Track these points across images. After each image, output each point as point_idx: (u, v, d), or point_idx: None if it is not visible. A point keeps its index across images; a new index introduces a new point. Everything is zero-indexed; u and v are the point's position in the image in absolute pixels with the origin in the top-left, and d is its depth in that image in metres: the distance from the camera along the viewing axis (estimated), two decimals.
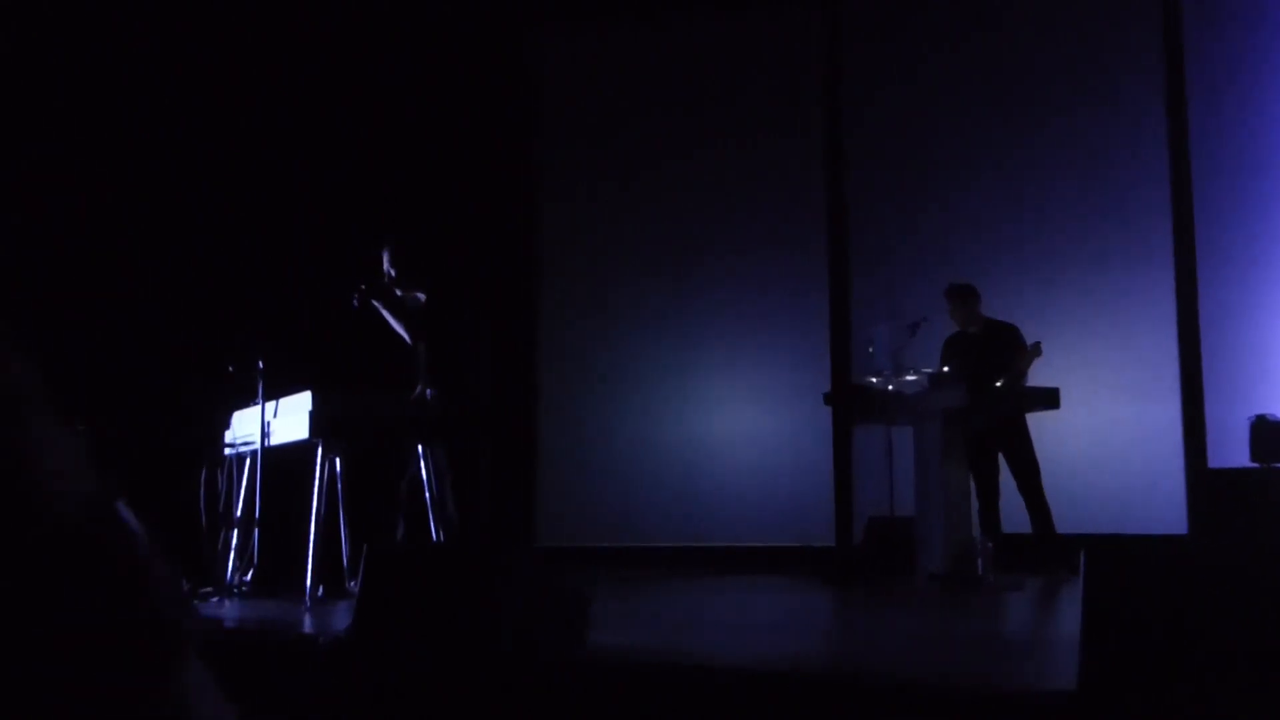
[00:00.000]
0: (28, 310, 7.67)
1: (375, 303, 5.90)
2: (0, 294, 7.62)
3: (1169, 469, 7.90)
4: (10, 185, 7.69)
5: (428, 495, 5.56)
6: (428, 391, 5.82)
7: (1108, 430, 7.78)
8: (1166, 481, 7.85)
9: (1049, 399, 6.67)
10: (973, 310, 7.06)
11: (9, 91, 7.67)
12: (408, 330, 5.97)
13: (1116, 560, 2.47)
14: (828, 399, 7.40)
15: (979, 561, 6.30)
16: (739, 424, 9.31)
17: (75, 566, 0.54)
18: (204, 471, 6.29)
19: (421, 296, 6.01)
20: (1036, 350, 6.78)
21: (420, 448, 5.60)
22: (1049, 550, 6.56)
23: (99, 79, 8.03)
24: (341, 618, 3.70)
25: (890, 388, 6.62)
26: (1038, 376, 6.92)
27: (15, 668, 0.52)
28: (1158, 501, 7.79)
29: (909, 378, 6.53)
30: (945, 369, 6.92)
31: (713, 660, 3.23)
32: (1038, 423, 6.93)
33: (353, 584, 5.30)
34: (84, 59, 7.98)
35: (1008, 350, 6.86)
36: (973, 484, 6.86)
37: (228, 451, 6.13)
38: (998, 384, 6.72)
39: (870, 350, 7.02)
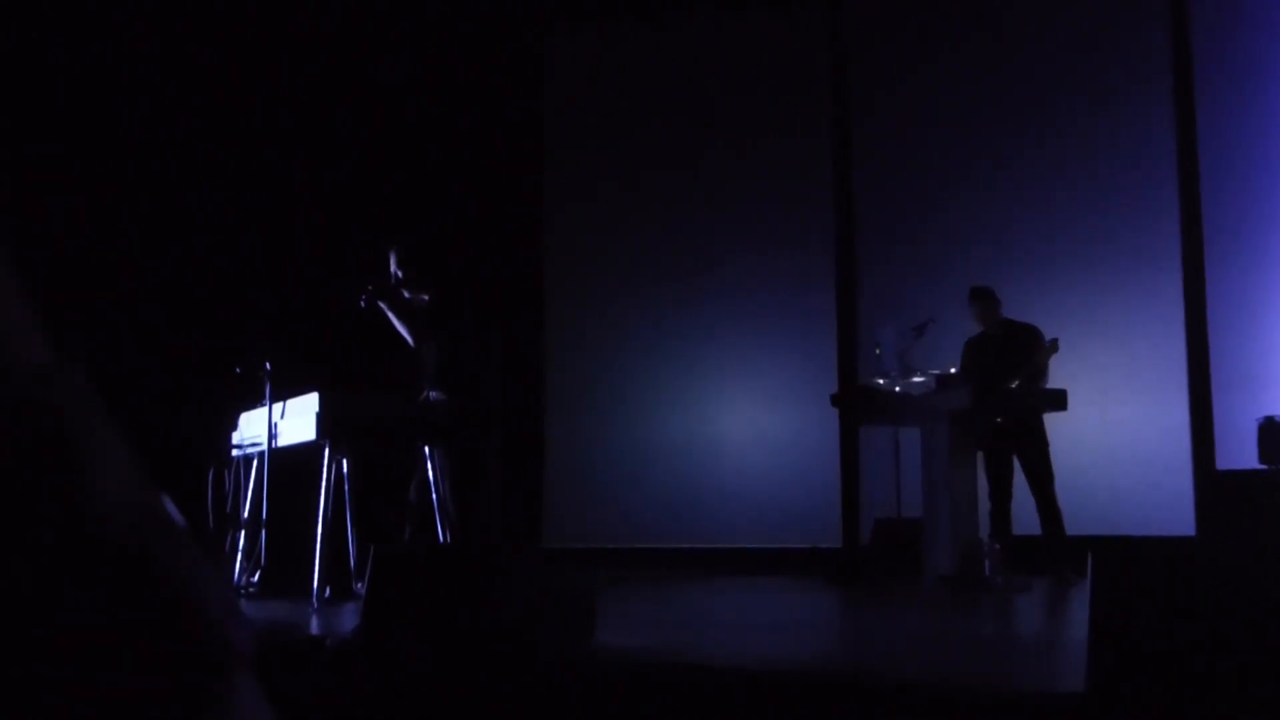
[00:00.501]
0: (38, 312, 7.69)
1: (381, 304, 5.90)
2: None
3: (1177, 470, 7.88)
4: (16, 185, 7.71)
5: (434, 497, 5.56)
6: (433, 394, 5.82)
7: (1115, 431, 7.77)
8: (1174, 483, 7.83)
9: (1057, 400, 6.66)
10: (993, 312, 7.06)
11: (12, 91, 7.69)
12: (412, 332, 5.97)
13: (1123, 562, 2.46)
14: (834, 400, 7.39)
15: (986, 563, 6.29)
16: (746, 425, 9.31)
17: (129, 582, 0.54)
18: (211, 472, 6.30)
19: (427, 298, 6.01)
20: (1054, 347, 6.77)
21: (426, 449, 5.60)
22: (1058, 552, 6.55)
23: (103, 79, 8.05)
24: (348, 619, 3.71)
25: (897, 389, 6.61)
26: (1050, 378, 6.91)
27: (67, 683, 0.52)
28: (1165, 503, 7.77)
29: (916, 379, 6.52)
30: (957, 370, 6.93)
31: (718, 661, 3.23)
32: (1045, 424, 6.92)
33: (359, 585, 5.31)
34: (88, 59, 8.00)
35: (1026, 350, 6.86)
36: (984, 485, 6.85)
37: (235, 453, 6.14)
38: (1013, 384, 6.71)
39: (877, 351, 7.02)
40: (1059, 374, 6.96)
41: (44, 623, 0.51)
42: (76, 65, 7.95)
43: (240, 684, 0.57)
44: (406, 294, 6.00)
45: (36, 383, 0.55)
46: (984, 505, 6.81)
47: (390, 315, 5.95)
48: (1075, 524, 6.87)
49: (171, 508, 0.58)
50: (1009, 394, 6.67)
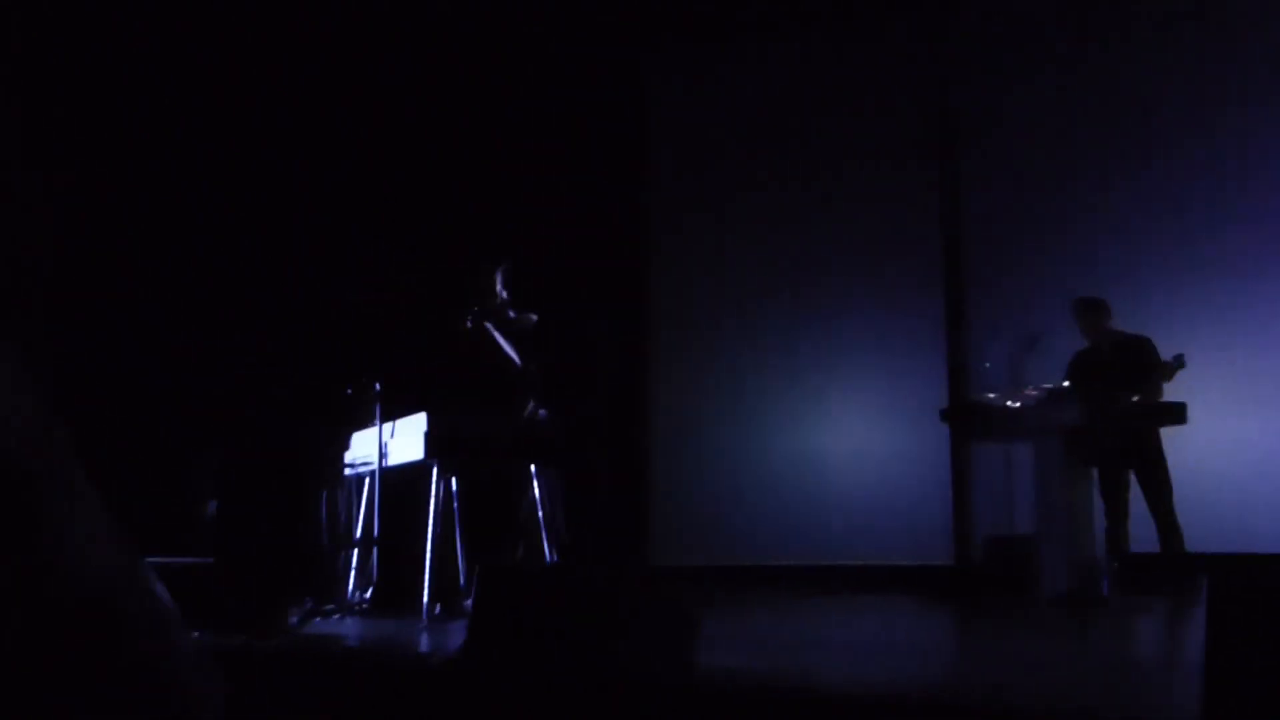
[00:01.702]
0: (161, 339, 7.95)
1: (487, 325, 5.98)
2: (124, 322, 7.91)
3: None
4: (135, 208, 7.97)
5: (540, 515, 5.61)
6: (540, 412, 5.88)
7: (1238, 445, 7.52)
8: None
9: (1175, 414, 6.48)
10: (1102, 325, 6.88)
11: (125, 103, 7.95)
12: (519, 352, 6.03)
13: (1242, 581, 2.38)
14: (944, 416, 7.27)
15: (1104, 582, 6.13)
16: (853, 441, 9.22)
17: (95, 641, 0.54)
18: (325, 492, 6.44)
19: (534, 318, 6.07)
20: (1180, 363, 6.58)
21: (533, 468, 5.65)
22: (1178, 570, 6.37)
23: (212, 95, 8.28)
24: (456, 636, 3.75)
25: (1008, 404, 6.48)
26: (1168, 390, 6.71)
27: None
28: None
29: (1027, 393, 6.39)
30: (1068, 384, 6.78)
31: (823, 684, 3.20)
32: (1165, 437, 6.73)
33: (468, 603, 5.37)
34: (206, 69, 8.23)
35: (1139, 366, 6.68)
36: (1100, 502, 6.69)
37: (347, 472, 6.26)
38: (1134, 399, 6.54)
39: (987, 366, 6.90)
40: (1178, 386, 6.77)
41: (11, 679, 0.51)
42: (169, 72, 8.19)
43: None
44: (512, 314, 6.07)
45: (12, 446, 0.56)
46: (1100, 522, 6.64)
47: (497, 336, 6.02)
48: (1197, 541, 6.67)
49: (147, 569, 0.59)
50: (1125, 409, 6.51)
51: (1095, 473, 6.75)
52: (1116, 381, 6.63)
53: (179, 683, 0.56)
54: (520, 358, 6.03)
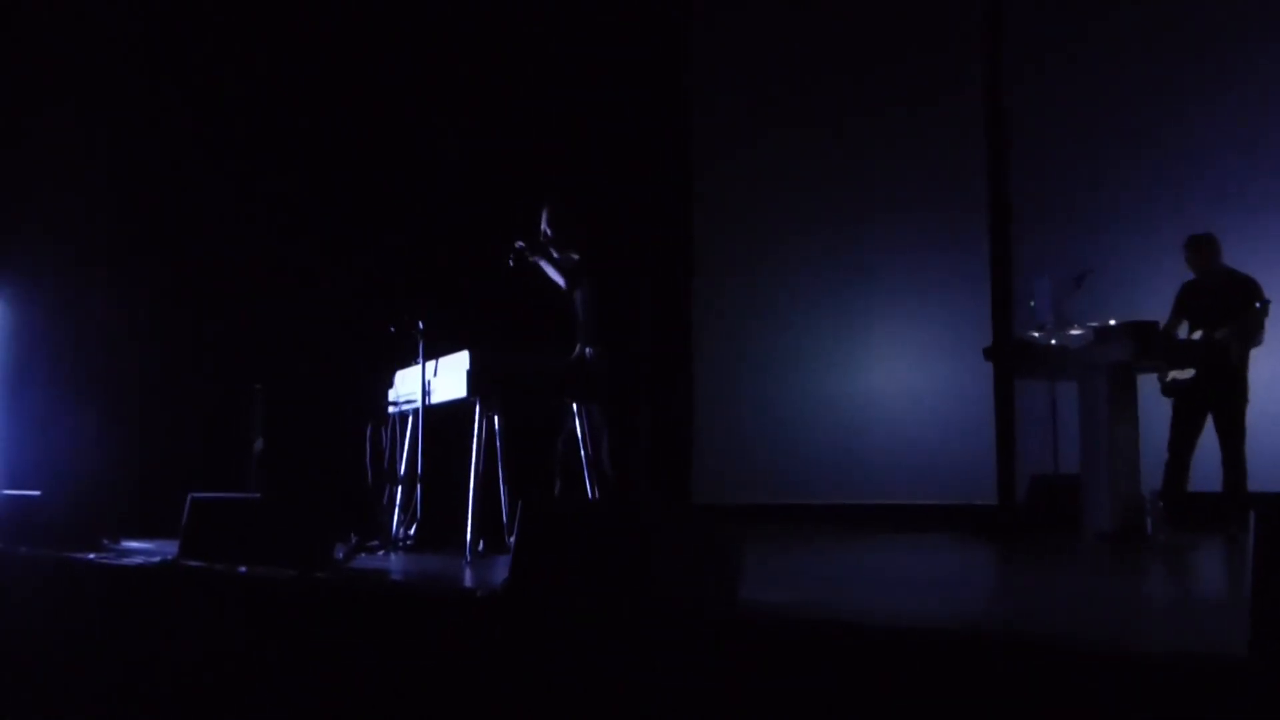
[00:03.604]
0: (211, 280, 8.02)
1: (536, 260, 5.97)
2: (175, 263, 7.98)
3: None
4: (201, 178, 8.03)
5: (583, 453, 5.63)
6: (587, 350, 5.87)
7: None
8: None
9: (1217, 352, 6.43)
10: (1211, 258, 6.82)
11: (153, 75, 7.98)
12: (567, 281, 6.04)
13: None
14: (988, 354, 7.21)
15: (1148, 520, 6.09)
16: (898, 380, 9.18)
17: None
18: (369, 429, 6.48)
19: (576, 257, 6.05)
20: (1265, 310, 6.53)
21: (575, 406, 5.66)
22: (1237, 508, 6.32)
23: (273, 73, 8.29)
24: (500, 572, 3.79)
25: (1053, 342, 6.42)
26: None
27: None
28: None
29: (1073, 331, 6.32)
30: (1170, 312, 6.76)
31: (866, 617, 3.20)
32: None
33: (511, 539, 5.41)
34: (255, 55, 8.25)
35: (1244, 303, 6.63)
36: (1161, 435, 6.65)
37: (391, 410, 6.30)
38: (1217, 334, 6.50)
39: (1032, 304, 6.82)
40: None
41: None
42: (232, 60, 8.21)
43: None
44: (555, 253, 6.05)
45: None
46: (1154, 460, 6.58)
47: (545, 266, 6.01)
48: (1258, 481, 6.60)
49: None
50: (1206, 345, 6.46)
51: (1169, 408, 6.70)
52: (1219, 316, 6.58)
53: None
54: (568, 285, 6.03)
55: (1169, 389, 6.76)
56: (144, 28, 8.00)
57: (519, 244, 5.91)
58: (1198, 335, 6.66)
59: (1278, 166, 7.78)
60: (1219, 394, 6.60)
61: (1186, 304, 6.87)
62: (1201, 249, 6.85)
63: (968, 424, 8.70)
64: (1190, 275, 6.91)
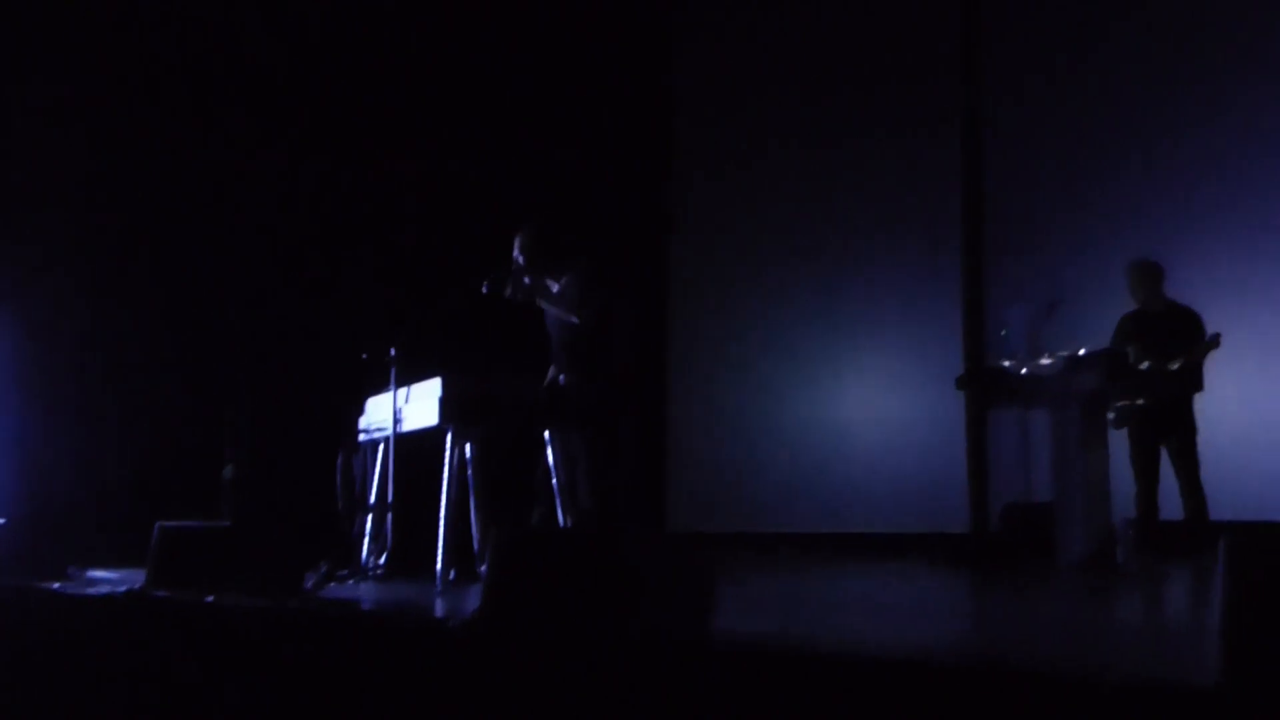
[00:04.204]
0: (181, 305, 7.97)
1: (511, 291, 5.92)
2: (146, 288, 7.92)
3: None
4: (161, 176, 7.98)
5: (556, 481, 5.60)
6: (560, 378, 5.85)
7: (1266, 410, 7.46)
8: None
9: (1194, 381, 6.47)
10: (1157, 290, 6.84)
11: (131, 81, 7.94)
12: (545, 317, 6.00)
13: (1261, 547, 2.36)
14: (960, 382, 7.24)
15: (1120, 548, 6.11)
16: (871, 408, 9.20)
17: None
18: (340, 457, 6.44)
19: (554, 285, 6.03)
20: (1215, 342, 6.55)
21: (549, 433, 5.64)
22: (1202, 537, 6.36)
23: (246, 96, 8.27)
24: (471, 601, 3.76)
25: (1025, 371, 6.45)
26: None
27: None
28: None
29: (1044, 360, 6.35)
30: (1109, 345, 6.76)
31: (839, 646, 3.19)
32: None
33: (483, 568, 5.38)
34: (223, 76, 8.22)
35: (1190, 337, 6.66)
36: (1128, 468, 6.68)
37: (362, 437, 6.26)
38: (1171, 366, 6.53)
39: (1003, 333, 6.86)
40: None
41: None
42: (221, 64, 8.18)
43: None
44: (528, 280, 6.03)
45: None
46: (1126, 489, 6.62)
47: (541, 306, 5.93)
48: (1220, 509, 6.65)
49: None
50: (1151, 375, 6.48)
51: (1125, 439, 6.74)
52: (1163, 348, 6.61)
53: None
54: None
55: (1121, 419, 6.78)
56: (94, 59, 7.94)
57: (494, 273, 5.88)
58: (1144, 366, 6.67)
59: (1251, 198, 7.86)
60: (1170, 426, 6.64)
61: (1131, 335, 6.87)
62: (1148, 276, 6.87)
63: (941, 452, 8.72)
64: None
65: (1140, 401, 6.59)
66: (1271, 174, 7.84)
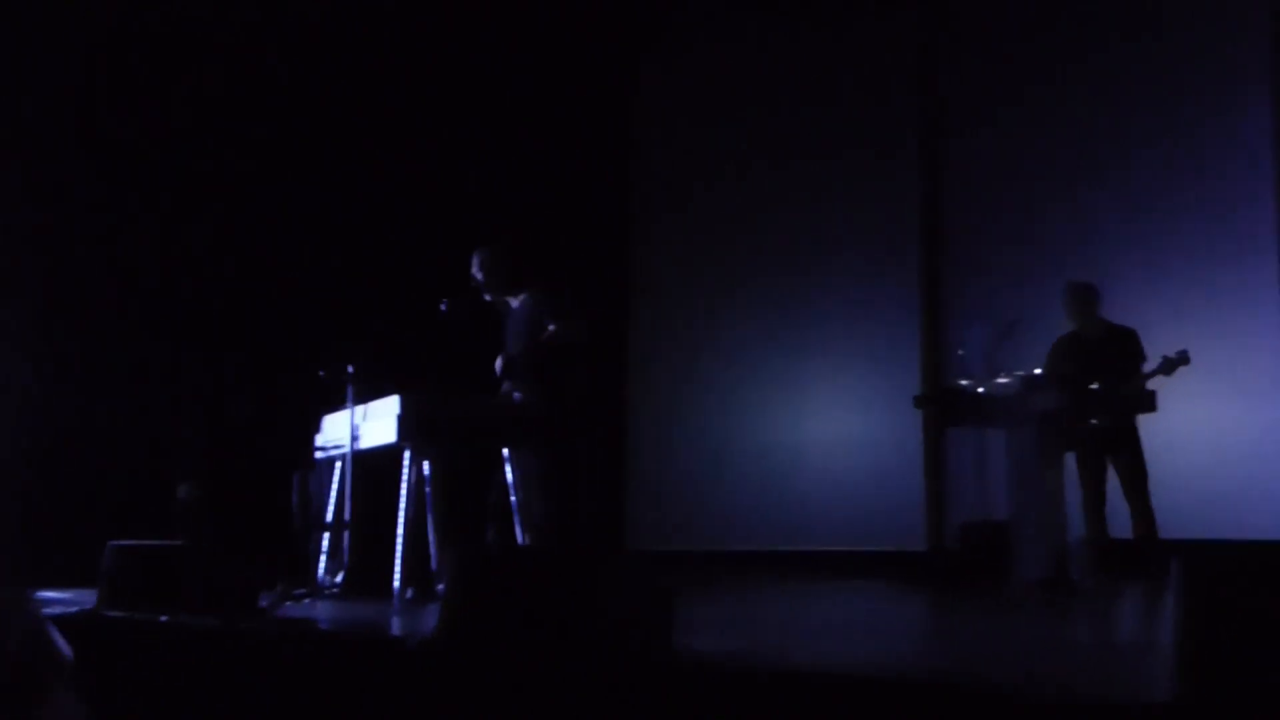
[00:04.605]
0: (129, 321, 7.87)
1: (468, 308, 5.91)
2: (99, 307, 7.83)
3: (1276, 471, 7.65)
4: (97, 198, 7.89)
5: (514, 499, 5.58)
6: (515, 395, 5.84)
7: (1212, 431, 7.55)
8: (1273, 484, 7.60)
9: (1146, 402, 6.53)
10: (1092, 312, 6.90)
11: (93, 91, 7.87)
12: (501, 336, 5.99)
13: (1213, 566, 2.39)
14: (918, 402, 7.28)
15: (1075, 567, 6.16)
16: (830, 427, 9.23)
17: None
18: (296, 475, 6.39)
19: (514, 303, 6.02)
20: (1183, 359, 6.59)
21: (507, 451, 5.62)
22: (1153, 556, 6.42)
23: (198, 109, 8.20)
24: (429, 620, 3.74)
25: (982, 390, 6.49)
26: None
27: None
28: (1266, 505, 7.54)
29: (1001, 380, 6.40)
30: (1043, 371, 6.79)
31: (798, 664, 3.20)
32: (1140, 424, 6.77)
33: (441, 586, 5.35)
34: (175, 87, 8.16)
35: (1130, 358, 6.72)
36: (1075, 490, 6.74)
37: (319, 455, 6.22)
38: (1122, 390, 6.59)
39: (961, 353, 6.91)
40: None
41: None
42: (144, 71, 8.10)
43: (54, 699, 0.59)
44: (488, 297, 6.03)
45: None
46: (1075, 509, 6.68)
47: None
48: (1172, 528, 6.71)
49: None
50: (1106, 396, 6.54)
51: (1073, 459, 6.79)
52: (1102, 370, 6.65)
53: (17, 649, 0.57)
54: (507, 341, 5.98)
55: (1070, 441, 6.83)
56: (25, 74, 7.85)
57: (453, 293, 5.87)
58: (1094, 388, 6.73)
59: (1202, 221, 7.98)
60: (1117, 446, 6.71)
61: (1066, 356, 6.92)
62: (1081, 299, 6.93)
63: (899, 471, 8.77)
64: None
65: (1094, 422, 6.64)
66: (1222, 196, 7.97)
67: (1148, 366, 6.73)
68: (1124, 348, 6.79)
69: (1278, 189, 7.84)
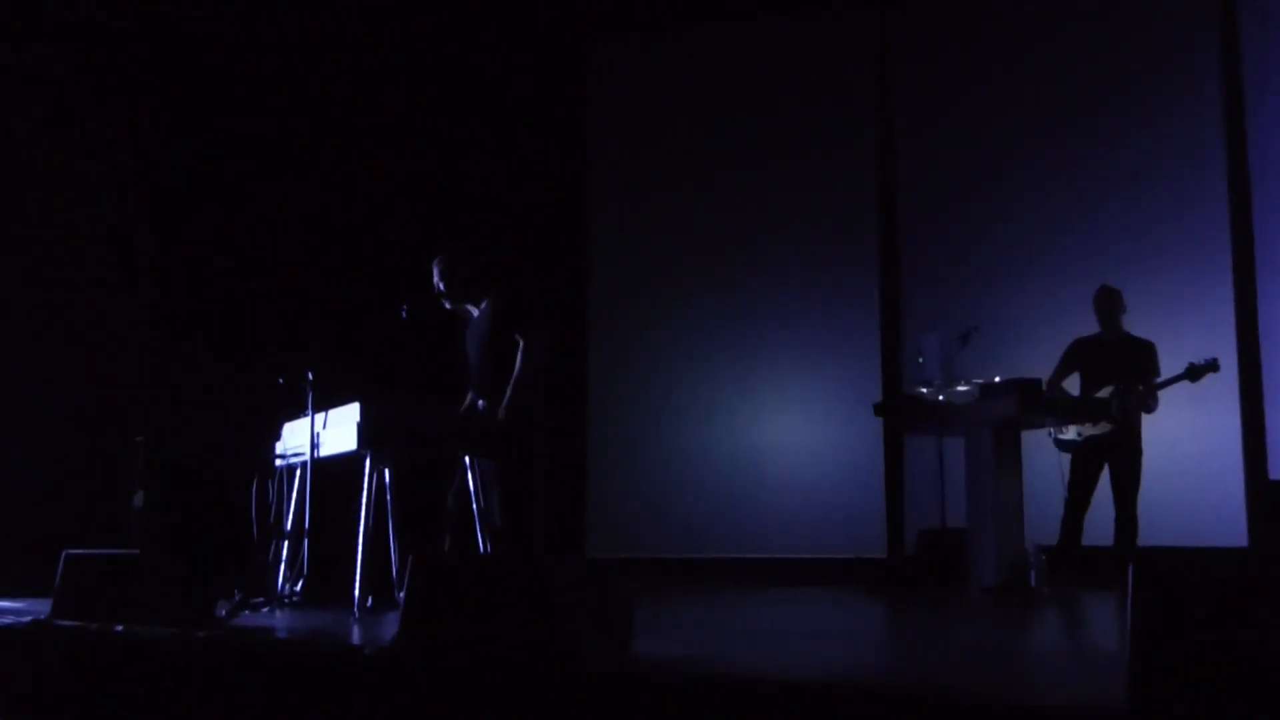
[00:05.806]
0: (83, 329, 7.79)
1: (423, 314, 5.90)
2: (56, 312, 7.75)
3: (1229, 480, 7.75)
4: (73, 203, 7.82)
5: (475, 507, 5.57)
6: (480, 402, 5.82)
7: (1166, 440, 7.63)
8: (1226, 493, 7.70)
9: (1102, 410, 6.63)
10: (1117, 318, 7.01)
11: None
12: (461, 343, 5.98)
13: (1168, 573, 2.42)
14: (878, 409, 7.34)
15: (1032, 573, 6.22)
16: (789, 435, 9.26)
17: None
18: (255, 483, 6.33)
19: (474, 310, 6.00)
20: (1213, 366, 6.71)
21: (467, 459, 5.60)
22: (1127, 563, 6.49)
23: (167, 115, 8.14)
24: (389, 628, 3.72)
25: (940, 398, 6.55)
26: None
27: None
28: (1217, 513, 7.65)
29: (960, 388, 6.46)
30: (1056, 367, 6.91)
31: (757, 670, 3.21)
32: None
33: (401, 595, 5.33)
34: (144, 92, 8.10)
35: (1145, 370, 6.83)
36: (1058, 491, 6.82)
37: (278, 463, 6.17)
38: (1130, 396, 6.70)
39: (920, 360, 6.96)
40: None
41: None
42: (137, 69, 8.05)
43: None
44: (448, 305, 6.01)
45: None
46: (1040, 510, 6.74)
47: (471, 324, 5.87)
48: (1149, 535, 6.79)
49: None
50: (1124, 401, 6.64)
51: (1067, 462, 6.87)
52: (1115, 375, 6.76)
53: None
54: (468, 349, 5.96)
55: (1067, 443, 6.92)
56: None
57: (412, 298, 5.85)
58: (1105, 393, 6.82)
59: (1166, 227, 8.10)
60: (1121, 452, 6.78)
61: (1082, 360, 7.04)
62: (1115, 302, 7.04)
63: (858, 478, 8.82)
64: (1081, 331, 7.09)
65: (1106, 427, 6.72)
66: (1175, 199, 8.09)
67: (1173, 372, 6.82)
68: (1140, 358, 6.89)
69: (1230, 192, 7.97)
